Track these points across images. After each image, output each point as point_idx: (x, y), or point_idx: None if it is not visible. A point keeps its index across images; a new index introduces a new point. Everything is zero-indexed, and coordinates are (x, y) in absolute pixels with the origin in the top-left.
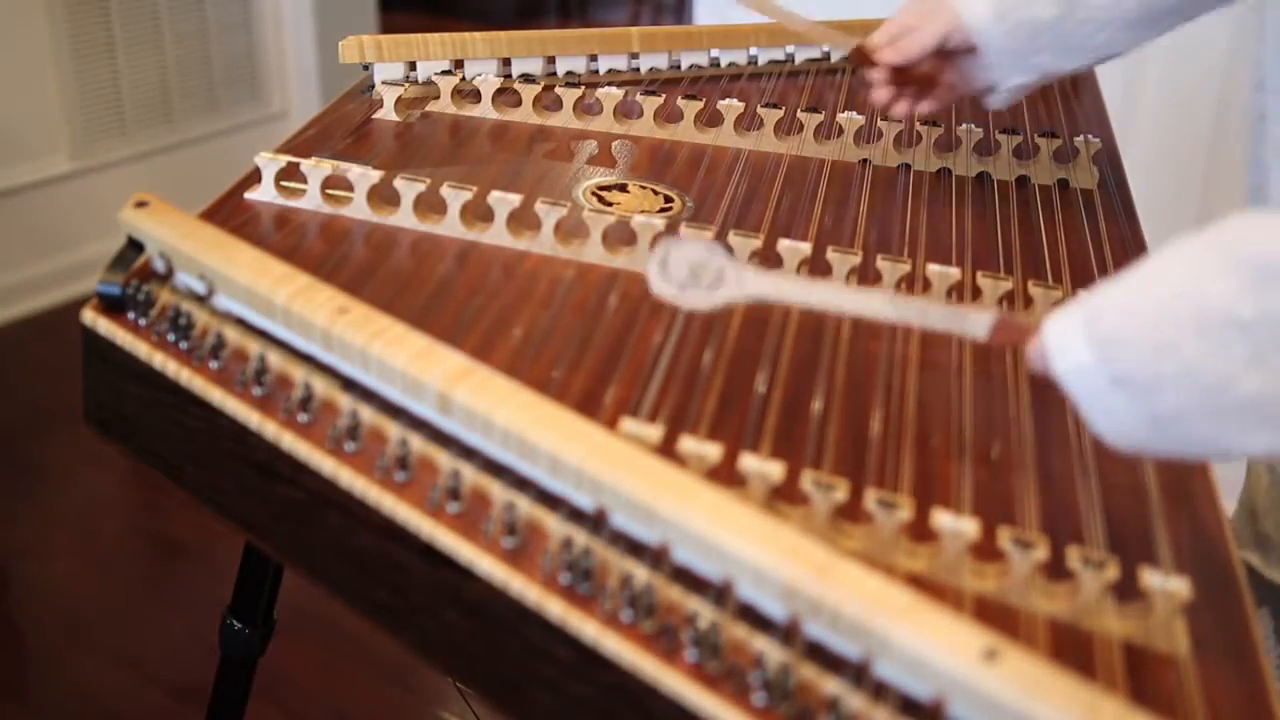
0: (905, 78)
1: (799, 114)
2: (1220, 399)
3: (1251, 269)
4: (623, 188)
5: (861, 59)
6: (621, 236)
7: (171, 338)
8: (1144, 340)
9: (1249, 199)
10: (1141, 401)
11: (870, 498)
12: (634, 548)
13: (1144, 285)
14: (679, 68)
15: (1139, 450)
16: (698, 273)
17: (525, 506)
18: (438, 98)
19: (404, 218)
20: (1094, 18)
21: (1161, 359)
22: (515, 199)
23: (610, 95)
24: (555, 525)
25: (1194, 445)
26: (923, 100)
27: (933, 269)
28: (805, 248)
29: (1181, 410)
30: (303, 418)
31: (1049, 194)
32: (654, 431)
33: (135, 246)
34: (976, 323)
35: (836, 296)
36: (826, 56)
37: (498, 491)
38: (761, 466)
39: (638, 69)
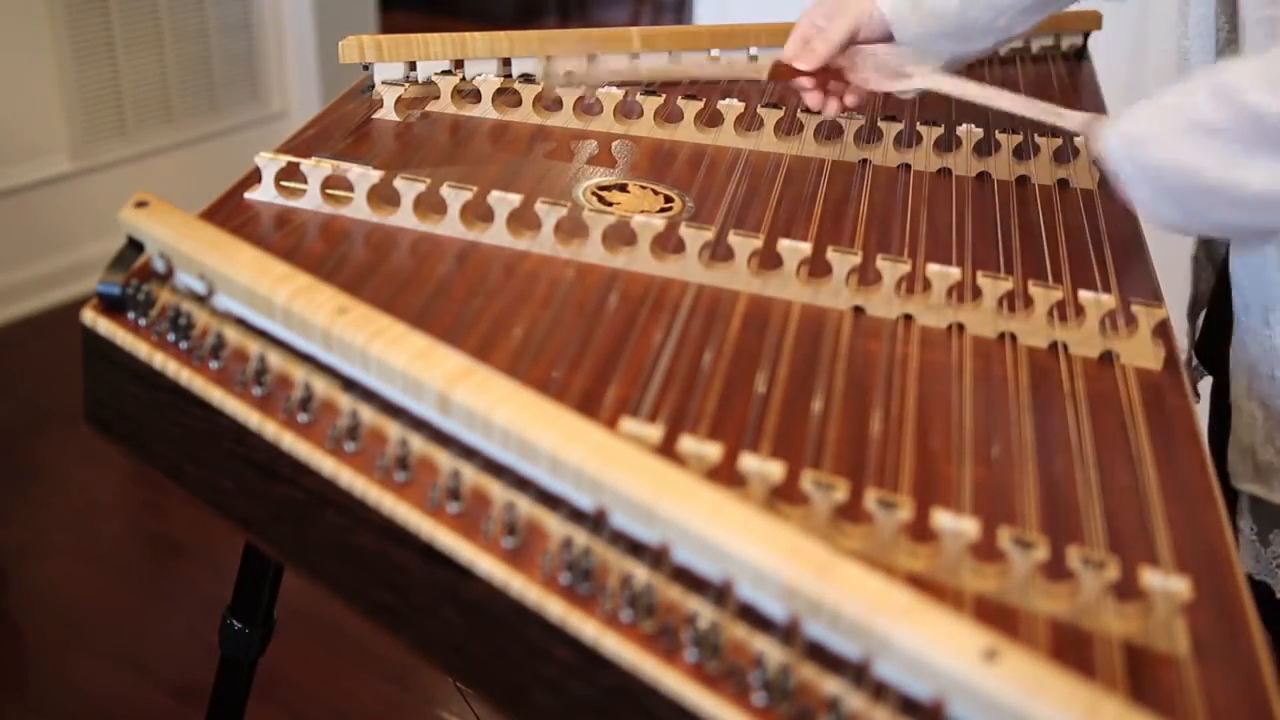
0: (827, 76)
1: (799, 114)
2: (1197, 181)
3: (1229, 97)
4: (623, 188)
5: (782, 73)
6: (621, 236)
7: (171, 338)
8: (1157, 137)
9: None
10: (1154, 182)
11: (870, 498)
12: (634, 548)
13: (1161, 105)
14: None
15: (1159, 222)
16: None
17: (525, 506)
18: (438, 98)
19: (404, 218)
20: (993, 4)
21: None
22: (515, 199)
23: (610, 95)
24: (555, 525)
25: (1197, 217)
26: (846, 94)
27: (933, 269)
28: (805, 248)
29: (1182, 190)
30: (303, 418)
31: (1049, 194)
32: (654, 431)
33: (135, 246)
34: (1071, 119)
35: (982, 93)
36: None
37: (498, 491)
38: (761, 466)
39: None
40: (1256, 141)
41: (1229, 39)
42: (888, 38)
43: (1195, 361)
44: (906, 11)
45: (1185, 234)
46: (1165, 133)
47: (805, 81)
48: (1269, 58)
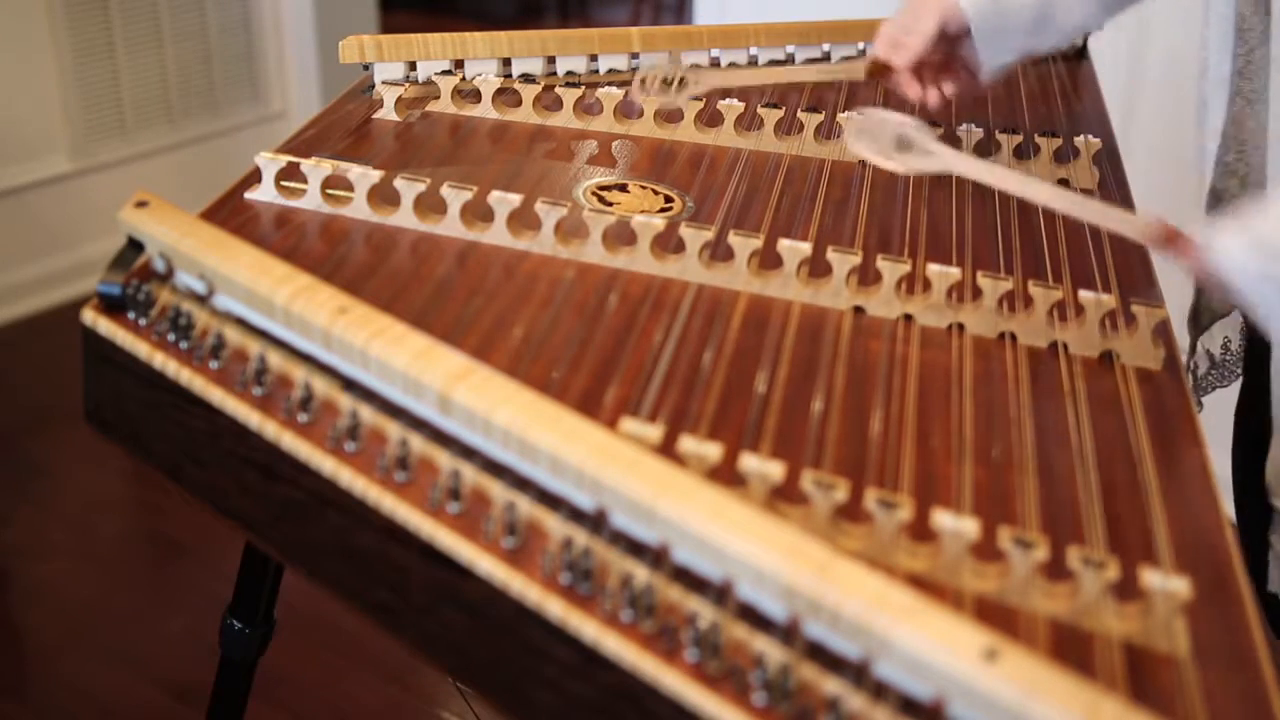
0: (922, 69)
1: (799, 114)
2: None
3: None
4: (623, 188)
5: (878, 71)
6: (621, 236)
7: (171, 338)
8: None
9: (1205, 191)
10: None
11: (870, 498)
12: (634, 548)
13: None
14: None
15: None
16: (904, 144)
17: (525, 506)
18: (438, 98)
19: (404, 218)
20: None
21: None
22: (515, 199)
23: (610, 95)
24: (555, 525)
25: None
26: (945, 82)
27: (933, 269)
28: (805, 248)
29: None
30: (303, 418)
31: None
32: (654, 431)
33: (135, 246)
34: (1133, 225)
35: (1013, 182)
36: (826, 56)
37: (498, 491)
38: (761, 466)
39: (638, 69)
40: None
41: (1259, 31)
42: (968, 31)
43: (1203, 370)
44: (984, 3)
45: None
46: None
47: (900, 78)
48: None
